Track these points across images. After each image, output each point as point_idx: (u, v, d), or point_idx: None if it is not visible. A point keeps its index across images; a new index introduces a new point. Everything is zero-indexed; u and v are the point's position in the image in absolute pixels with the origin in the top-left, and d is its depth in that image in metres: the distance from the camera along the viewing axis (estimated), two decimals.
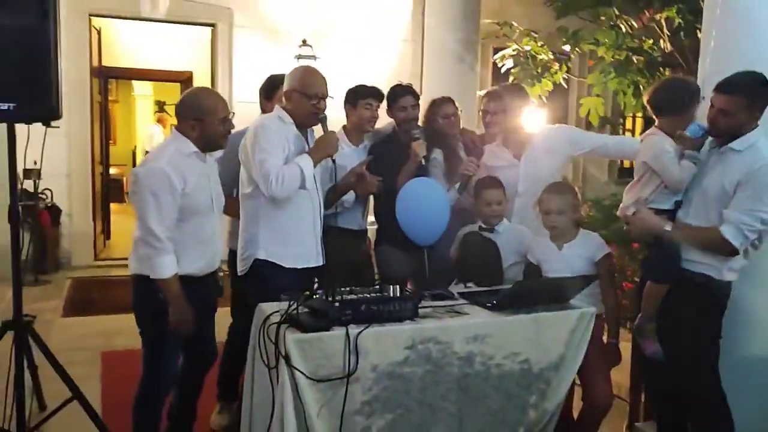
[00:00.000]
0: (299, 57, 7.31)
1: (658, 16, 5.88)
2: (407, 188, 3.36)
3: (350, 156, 3.72)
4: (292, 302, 2.45)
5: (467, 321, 2.56)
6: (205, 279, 2.93)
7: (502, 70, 6.51)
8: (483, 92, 4.06)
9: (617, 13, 5.86)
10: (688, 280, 2.69)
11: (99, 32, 7.42)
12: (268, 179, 2.92)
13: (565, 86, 6.79)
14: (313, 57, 7.35)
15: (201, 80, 8.66)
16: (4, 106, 2.74)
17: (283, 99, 3.16)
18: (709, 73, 3.00)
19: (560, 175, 3.51)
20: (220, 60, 7.67)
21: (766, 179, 2.54)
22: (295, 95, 3.08)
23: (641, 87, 6.05)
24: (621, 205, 2.92)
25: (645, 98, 2.90)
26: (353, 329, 2.36)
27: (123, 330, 4.47)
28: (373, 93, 3.73)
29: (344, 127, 3.78)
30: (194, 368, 3.07)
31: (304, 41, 7.42)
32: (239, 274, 3.19)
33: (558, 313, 2.68)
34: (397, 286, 2.53)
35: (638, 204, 2.79)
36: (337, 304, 2.40)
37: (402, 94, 3.80)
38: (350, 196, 3.63)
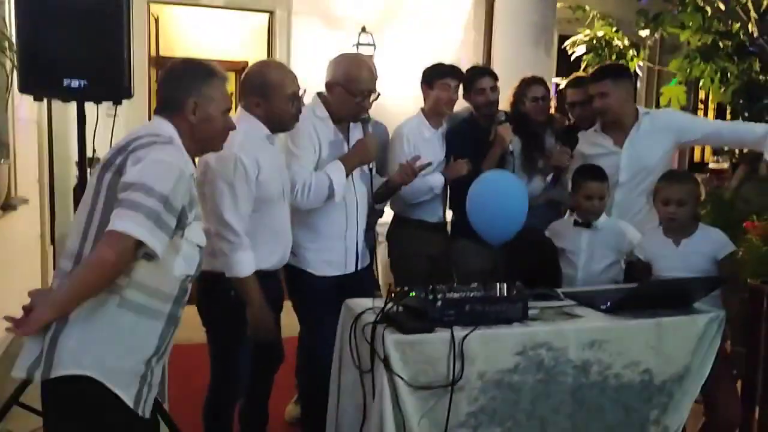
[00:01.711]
0: (358, 45, 7.09)
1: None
2: (479, 182, 3.08)
3: (430, 141, 3.47)
4: (387, 299, 2.20)
5: (583, 325, 2.27)
6: (276, 274, 2.70)
7: (572, 57, 6.16)
8: (573, 76, 3.73)
9: None
10: None
11: (157, 20, 7.31)
12: (295, 188, 2.69)
13: (639, 74, 6.39)
14: (373, 45, 7.12)
15: None
16: (76, 84, 2.58)
17: (325, 89, 2.88)
18: None
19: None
20: (278, 48, 7.48)
21: None
22: (338, 89, 2.82)
23: (728, 75, 5.64)
24: None
25: None
26: (458, 332, 2.10)
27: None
28: (452, 72, 3.46)
29: (422, 109, 3.53)
30: (264, 370, 2.84)
31: (363, 29, 7.19)
32: None
33: (684, 317, 2.37)
34: (504, 284, 2.25)
35: None
36: (438, 303, 2.14)
37: (480, 75, 3.53)
38: (439, 181, 3.37)
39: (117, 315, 1.76)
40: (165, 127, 1.93)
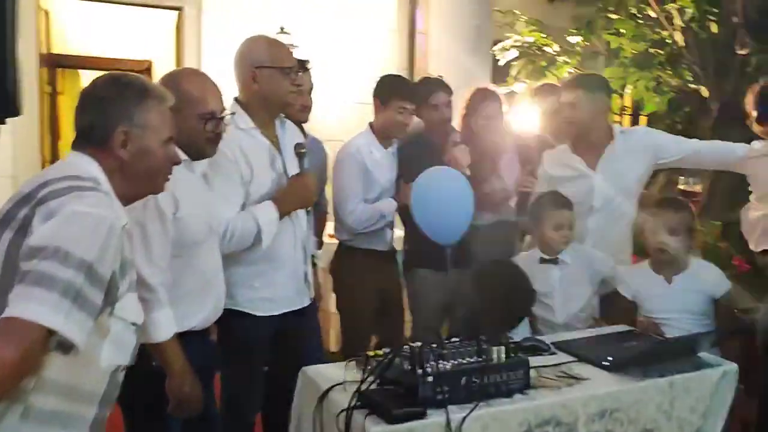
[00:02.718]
0: None
1: (669, 6, 5.41)
2: (421, 180, 2.78)
3: (380, 162, 3.07)
4: (364, 371, 1.78)
5: (591, 391, 1.93)
6: (206, 333, 2.20)
7: (501, 62, 5.94)
8: (539, 85, 3.43)
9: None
10: None
11: (47, 15, 6.51)
12: (218, 234, 2.21)
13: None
14: (292, 45, 6.63)
15: (163, 71, 7.77)
16: None
17: (240, 88, 2.39)
18: None
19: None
20: (186, 49, 6.85)
21: None
22: (267, 72, 2.32)
23: (660, 83, 5.58)
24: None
25: (755, 107, 2.26)
26: (454, 413, 1.70)
27: None
28: (411, 95, 3.06)
29: (371, 124, 3.12)
30: None
31: (282, 29, 6.69)
32: None
33: (695, 374, 2.08)
34: (502, 347, 1.87)
35: None
36: (429, 377, 1.73)
37: (434, 89, 3.17)
38: (390, 207, 2.99)
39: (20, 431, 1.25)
40: (86, 166, 1.44)
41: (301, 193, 2.38)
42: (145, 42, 8.35)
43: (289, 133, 2.49)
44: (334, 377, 1.89)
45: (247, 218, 2.28)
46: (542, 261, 2.67)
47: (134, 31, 8.21)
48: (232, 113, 2.23)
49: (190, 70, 2.37)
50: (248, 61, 2.35)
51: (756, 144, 2.68)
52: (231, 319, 2.34)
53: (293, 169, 2.39)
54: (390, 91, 3.02)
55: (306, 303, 2.53)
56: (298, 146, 2.39)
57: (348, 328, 3.17)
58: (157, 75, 7.85)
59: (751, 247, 2.41)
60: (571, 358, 2.13)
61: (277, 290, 2.41)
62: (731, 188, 3.47)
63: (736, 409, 2.19)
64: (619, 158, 2.79)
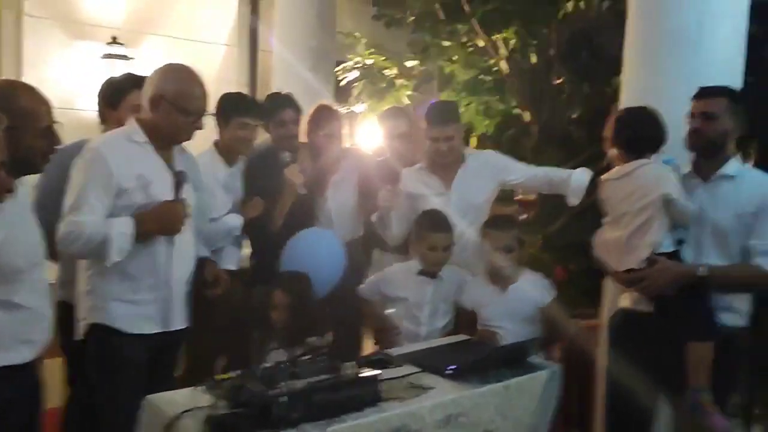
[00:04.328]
0: (108, 56, 6.25)
1: (495, 37, 5.87)
2: (294, 243, 2.87)
3: (226, 181, 3.04)
4: (213, 393, 1.74)
5: (436, 399, 2.03)
6: (31, 369, 2.02)
7: (342, 82, 6.10)
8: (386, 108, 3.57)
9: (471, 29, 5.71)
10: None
11: None
12: (59, 234, 2.16)
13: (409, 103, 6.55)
14: (125, 57, 6.32)
15: None
16: None
17: (144, 104, 2.36)
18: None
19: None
20: (3, 57, 6.28)
21: None
22: (165, 106, 2.32)
23: (489, 107, 6.01)
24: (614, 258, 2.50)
25: (612, 133, 2.50)
26: (308, 431, 1.72)
27: None
28: (252, 110, 3.08)
29: (216, 143, 3.08)
30: None
31: (114, 39, 6.36)
32: (75, 338, 2.39)
33: (526, 377, 2.26)
34: (353, 362, 1.93)
35: (645, 251, 2.35)
36: (284, 397, 1.73)
37: (282, 106, 3.20)
38: (237, 222, 2.96)
39: None
40: None
41: (166, 218, 2.30)
42: None
43: (186, 161, 2.45)
44: (181, 404, 1.83)
45: (99, 225, 2.19)
46: (420, 273, 2.76)
47: None
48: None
49: (17, 83, 2.20)
50: (156, 86, 2.32)
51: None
52: (101, 335, 2.26)
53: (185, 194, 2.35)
54: (231, 108, 3.01)
55: (180, 326, 2.44)
56: (177, 174, 2.34)
57: (193, 350, 3.08)
58: None
59: (613, 267, 2.53)
60: (417, 369, 2.23)
61: (150, 308, 2.33)
62: (552, 205, 3.80)
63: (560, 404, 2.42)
64: (471, 178, 2.99)
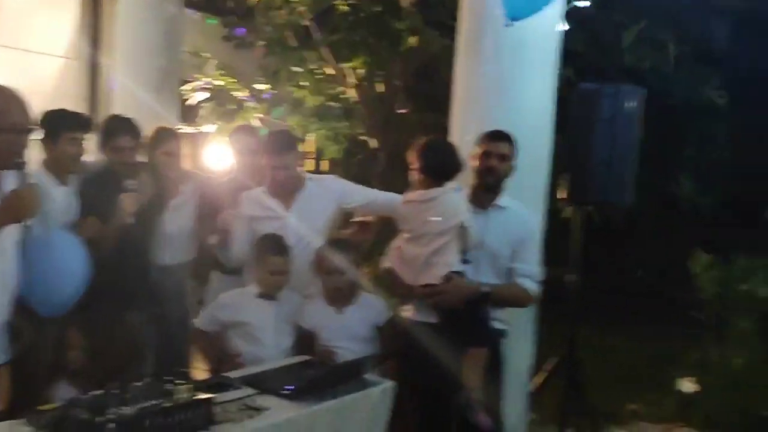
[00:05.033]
0: None
1: (343, 65, 6.07)
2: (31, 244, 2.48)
3: (58, 199, 2.92)
4: (34, 425, 1.67)
5: (270, 420, 2.08)
6: None
7: (189, 101, 6.01)
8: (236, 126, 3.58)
9: (320, 57, 5.86)
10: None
11: None
12: None
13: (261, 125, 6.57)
14: None
15: None
16: None
17: None
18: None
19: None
20: None
21: (537, 235, 2.96)
22: None
23: (337, 133, 6.20)
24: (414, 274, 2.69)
25: (419, 160, 2.71)
26: None
27: None
28: (80, 124, 3.00)
29: (45, 162, 2.95)
30: None
31: None
32: None
33: (360, 394, 2.37)
34: (185, 386, 1.92)
35: (443, 269, 2.59)
36: (111, 425, 1.70)
37: (120, 132, 3.10)
38: None
39: None
40: None
41: (19, 206, 2.19)
42: None
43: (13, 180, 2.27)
44: None
45: None
46: (259, 296, 2.78)
47: None
48: None
49: None
50: None
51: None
52: None
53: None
54: (57, 124, 2.90)
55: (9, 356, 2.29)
56: (16, 164, 2.20)
57: (17, 382, 2.88)
58: None
59: (409, 281, 2.71)
60: (254, 391, 2.26)
61: None
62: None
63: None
64: (310, 202, 3.06)
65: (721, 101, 6.51)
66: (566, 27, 3.51)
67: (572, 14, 3.61)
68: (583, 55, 5.56)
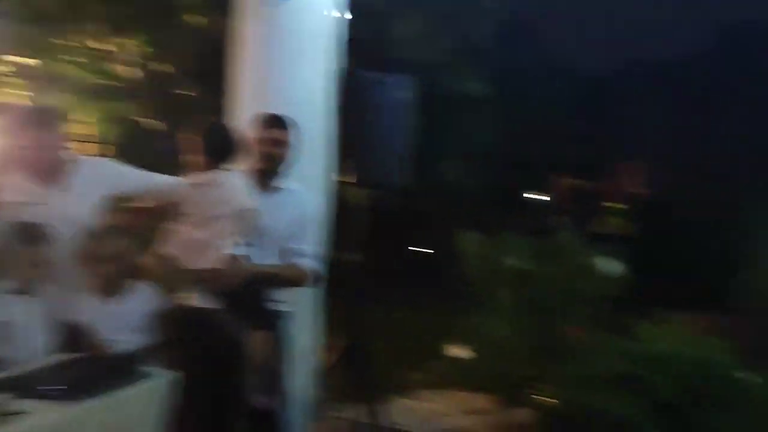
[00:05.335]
0: None
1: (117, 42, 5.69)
2: None
3: None
4: None
5: (29, 424, 1.89)
6: None
7: None
8: None
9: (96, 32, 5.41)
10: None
11: None
12: None
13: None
14: None
15: None
16: None
17: None
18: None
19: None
20: None
21: (315, 215, 3.11)
22: None
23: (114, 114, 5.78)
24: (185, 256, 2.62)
25: (199, 142, 2.63)
26: None
27: None
28: None
29: None
30: None
31: None
32: None
33: (133, 388, 2.24)
34: None
35: (225, 252, 2.56)
36: None
37: None
38: None
39: None
40: None
41: None
42: None
43: None
44: None
45: None
46: (13, 291, 2.51)
47: None
48: None
49: None
50: None
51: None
52: None
53: None
54: None
55: None
56: None
57: None
58: None
59: (189, 266, 2.62)
60: (7, 396, 2.04)
61: None
62: None
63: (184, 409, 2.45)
64: (80, 186, 2.80)
65: (485, 93, 7.15)
66: (348, 16, 3.62)
67: (357, 5, 3.72)
68: (367, 46, 5.77)
